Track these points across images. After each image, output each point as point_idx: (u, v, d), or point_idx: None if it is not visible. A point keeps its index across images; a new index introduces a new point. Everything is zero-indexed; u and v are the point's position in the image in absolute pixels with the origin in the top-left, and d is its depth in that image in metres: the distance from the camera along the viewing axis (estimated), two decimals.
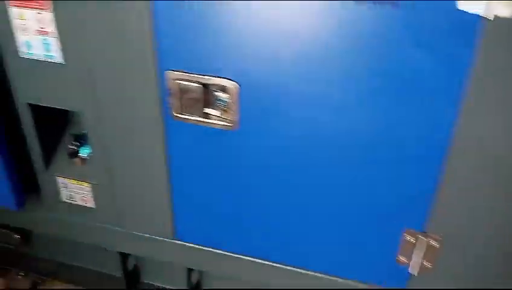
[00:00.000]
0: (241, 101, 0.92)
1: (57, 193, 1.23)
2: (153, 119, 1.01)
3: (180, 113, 0.97)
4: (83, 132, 1.22)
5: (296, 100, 0.90)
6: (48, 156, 1.20)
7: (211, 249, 1.20)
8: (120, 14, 0.88)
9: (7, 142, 1.15)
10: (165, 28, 0.87)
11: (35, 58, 1.00)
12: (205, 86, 0.92)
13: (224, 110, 0.95)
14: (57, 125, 1.23)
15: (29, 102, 1.08)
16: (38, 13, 0.93)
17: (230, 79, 0.90)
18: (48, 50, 0.97)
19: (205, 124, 0.97)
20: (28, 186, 1.25)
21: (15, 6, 0.93)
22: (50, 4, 0.91)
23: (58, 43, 0.96)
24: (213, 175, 1.06)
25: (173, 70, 0.92)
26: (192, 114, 0.96)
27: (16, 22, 0.96)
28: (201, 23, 0.85)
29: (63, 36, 0.95)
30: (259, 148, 0.99)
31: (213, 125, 0.96)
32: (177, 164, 1.07)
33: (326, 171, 0.99)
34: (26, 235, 1.48)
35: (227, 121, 0.96)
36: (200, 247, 1.20)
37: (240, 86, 0.90)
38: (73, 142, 1.18)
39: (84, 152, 1.20)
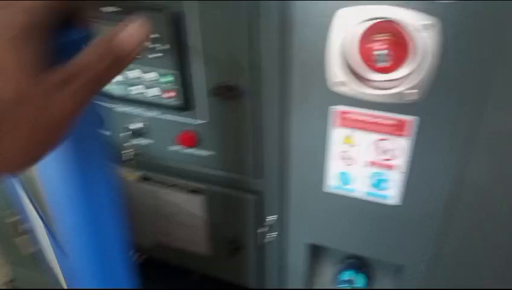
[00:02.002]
0: None
1: None
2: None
3: None
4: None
5: None
6: None
7: None
8: None
9: None
10: None
11: (349, 194, 0.68)
12: None
13: None
14: None
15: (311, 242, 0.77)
16: (382, 139, 0.62)
17: None
18: (378, 187, 0.66)
19: None
20: None
21: (345, 126, 0.63)
22: (412, 128, 0.59)
23: (404, 181, 0.63)
24: None
25: None
26: None
27: (335, 147, 0.65)
28: None
29: (414, 172, 0.62)
30: None
31: None
32: None
33: None
34: None
35: None
36: None
37: None
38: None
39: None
